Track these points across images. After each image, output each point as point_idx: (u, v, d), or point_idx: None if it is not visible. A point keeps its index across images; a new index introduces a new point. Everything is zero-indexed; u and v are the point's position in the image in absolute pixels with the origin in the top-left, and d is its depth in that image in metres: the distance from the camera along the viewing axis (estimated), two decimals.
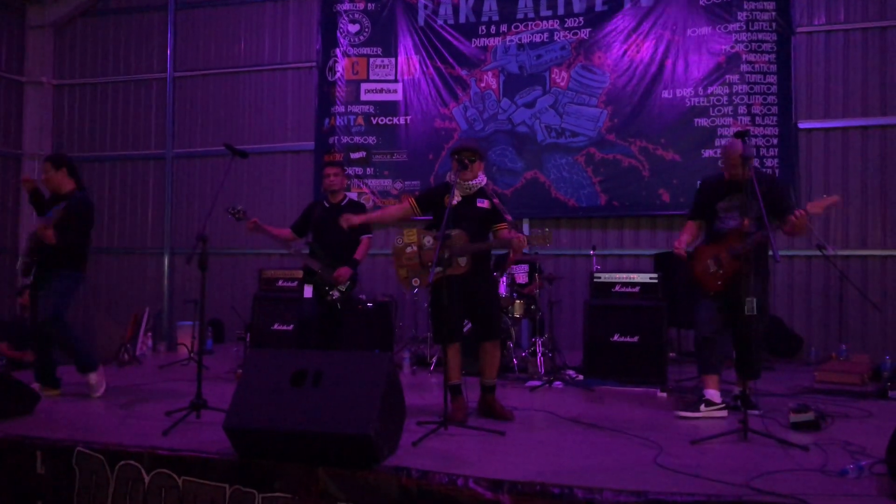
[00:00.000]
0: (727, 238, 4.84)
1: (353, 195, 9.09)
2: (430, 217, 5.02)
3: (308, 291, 5.78)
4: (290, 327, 7.19)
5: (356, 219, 5.14)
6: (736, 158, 4.74)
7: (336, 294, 5.69)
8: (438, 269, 4.42)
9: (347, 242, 5.83)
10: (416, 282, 4.86)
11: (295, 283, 7.22)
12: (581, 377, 6.39)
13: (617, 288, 6.54)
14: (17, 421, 4.54)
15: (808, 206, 4.66)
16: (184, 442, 4.00)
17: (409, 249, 4.89)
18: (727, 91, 8.17)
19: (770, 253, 4.49)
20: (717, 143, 8.14)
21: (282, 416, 3.61)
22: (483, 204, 4.83)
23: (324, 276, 5.68)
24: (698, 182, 5.51)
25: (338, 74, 9.41)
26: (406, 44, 9.27)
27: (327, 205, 5.99)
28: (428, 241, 4.84)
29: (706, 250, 4.98)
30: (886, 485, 3.20)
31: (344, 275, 5.68)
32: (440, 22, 9.15)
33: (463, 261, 4.65)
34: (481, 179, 4.89)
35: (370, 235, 5.99)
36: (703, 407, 4.79)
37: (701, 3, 8.30)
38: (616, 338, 6.35)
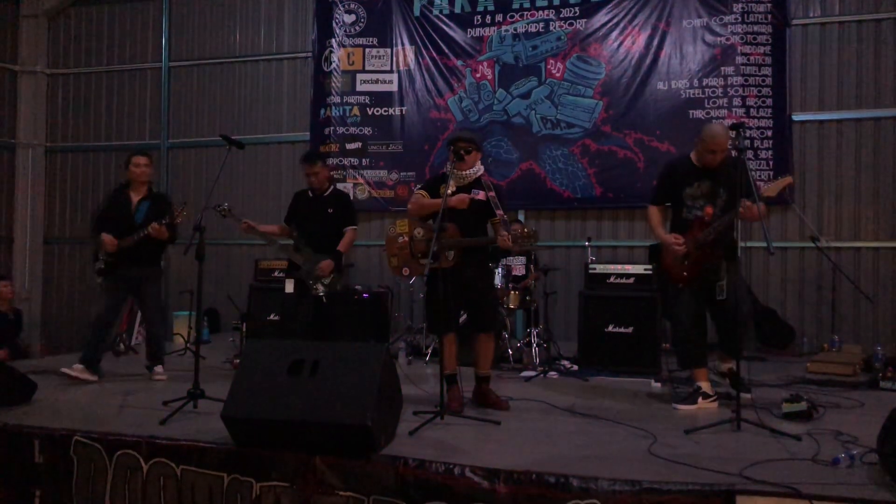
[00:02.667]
0: (692, 227, 4.82)
1: (348, 185, 9.22)
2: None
3: (290, 286, 5.76)
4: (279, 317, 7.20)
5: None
6: (725, 145, 4.71)
7: (320, 288, 5.67)
8: (429, 261, 4.43)
9: (331, 234, 5.81)
10: (405, 271, 4.92)
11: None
12: (575, 367, 6.42)
13: (611, 279, 6.58)
14: (15, 410, 4.55)
15: (763, 190, 4.70)
16: (182, 431, 4.03)
17: (400, 239, 4.93)
18: (722, 83, 8.17)
19: (745, 242, 4.51)
20: None
21: (279, 405, 3.64)
22: (478, 195, 4.82)
23: (307, 270, 5.65)
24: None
25: (333, 65, 9.40)
26: (401, 34, 9.25)
27: (311, 195, 5.95)
28: (419, 232, 4.87)
29: None
30: (878, 474, 3.24)
31: (326, 268, 5.65)
32: (436, 12, 9.13)
33: (450, 255, 4.67)
34: (478, 170, 4.89)
35: (355, 227, 5.97)
36: (700, 399, 4.82)
37: None
38: (610, 328, 6.38)
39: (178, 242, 9.82)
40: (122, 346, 7.39)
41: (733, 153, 4.68)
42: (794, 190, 7.96)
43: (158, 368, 5.95)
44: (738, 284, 4.73)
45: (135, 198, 5.94)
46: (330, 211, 5.88)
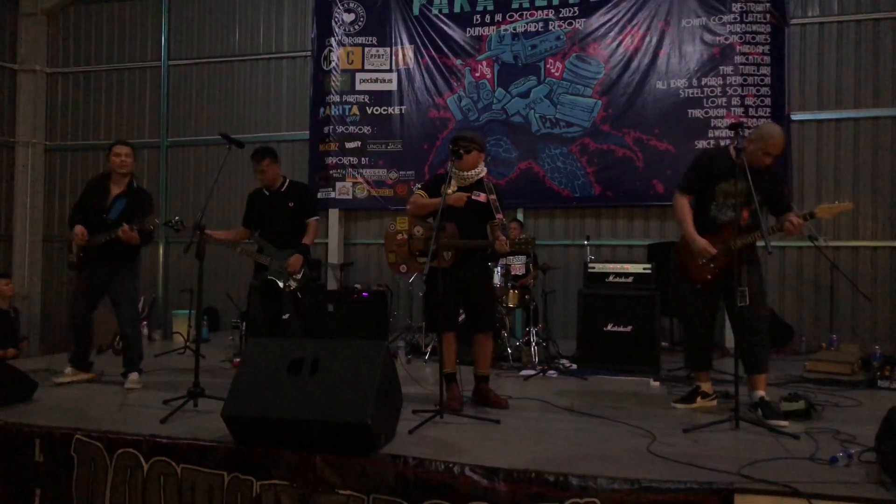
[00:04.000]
0: (722, 230, 4.56)
1: (347, 184, 9.24)
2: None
3: (259, 289, 5.70)
4: (286, 316, 7.19)
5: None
6: (781, 149, 4.51)
7: (293, 284, 5.65)
8: (427, 260, 4.43)
9: (295, 228, 5.73)
10: (402, 268, 4.93)
11: None
12: (574, 366, 6.44)
13: (610, 278, 6.58)
14: (15, 408, 4.55)
15: (818, 211, 4.41)
16: (182, 430, 4.03)
17: (399, 237, 4.93)
18: (721, 82, 8.20)
19: (762, 244, 4.38)
20: (710, 134, 8.19)
21: (279, 403, 3.64)
22: (478, 198, 4.80)
23: (276, 270, 5.62)
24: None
25: (333, 64, 9.40)
26: (401, 33, 9.27)
27: (267, 193, 5.83)
28: (418, 230, 4.88)
29: None
30: (875, 472, 3.25)
31: (295, 264, 5.59)
32: (435, 11, 9.14)
33: (448, 255, 4.66)
34: (480, 171, 4.86)
35: (317, 217, 5.91)
36: (699, 399, 4.82)
37: None
38: (609, 327, 6.39)
39: (178, 241, 10.01)
40: (121, 344, 7.37)
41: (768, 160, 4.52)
42: (793, 189, 7.98)
43: (133, 376, 5.56)
44: (758, 291, 4.50)
45: (114, 190, 5.61)
46: (290, 205, 5.77)
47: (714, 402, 4.83)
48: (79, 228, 5.46)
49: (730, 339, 7.17)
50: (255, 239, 5.86)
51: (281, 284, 5.62)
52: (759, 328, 4.51)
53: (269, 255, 5.63)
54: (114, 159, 5.64)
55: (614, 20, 8.56)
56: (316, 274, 5.87)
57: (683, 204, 4.74)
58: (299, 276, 5.64)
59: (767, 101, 8.10)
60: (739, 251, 4.38)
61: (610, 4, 8.58)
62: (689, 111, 8.29)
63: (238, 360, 6.19)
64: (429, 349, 6.93)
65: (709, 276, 4.63)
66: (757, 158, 4.49)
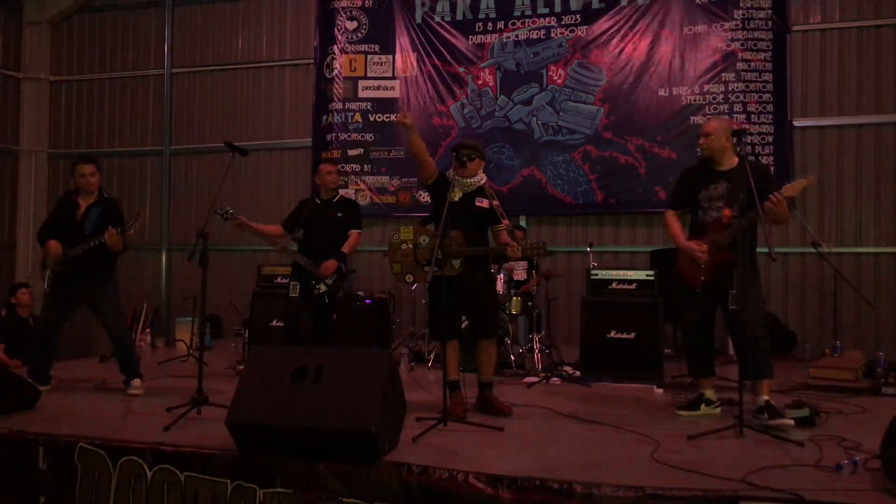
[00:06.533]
0: (708, 231, 4.67)
1: (349, 191, 9.24)
2: (430, 198, 5.08)
3: (294, 290, 5.79)
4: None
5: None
6: (709, 127, 4.69)
7: (322, 287, 5.71)
8: (434, 269, 4.44)
9: (337, 237, 5.87)
10: (409, 278, 4.92)
11: None
12: (578, 373, 6.42)
13: (613, 285, 6.57)
14: (18, 416, 4.56)
15: (784, 190, 4.41)
16: (185, 437, 4.03)
17: (404, 246, 4.93)
18: (723, 89, 8.21)
19: (766, 250, 4.37)
20: None
21: (283, 411, 3.64)
22: (482, 203, 4.85)
23: (311, 270, 5.70)
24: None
25: (335, 71, 9.42)
26: (403, 41, 9.29)
27: (319, 201, 6.03)
28: (423, 239, 4.89)
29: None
30: (880, 479, 3.25)
31: (330, 267, 5.68)
32: (437, 19, 9.17)
33: (457, 263, 4.68)
34: (481, 178, 4.90)
35: (359, 231, 6.02)
36: (703, 406, 4.81)
37: (697, 1, 8.34)
38: (612, 334, 6.38)
39: (181, 248, 10.02)
40: (116, 351, 7.34)
41: (750, 157, 4.56)
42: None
43: (135, 382, 5.56)
44: (753, 297, 4.49)
45: (83, 203, 5.51)
46: (339, 215, 5.96)
47: (718, 410, 4.83)
48: (52, 243, 5.40)
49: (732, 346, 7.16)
50: (298, 241, 5.95)
51: (315, 284, 5.70)
52: (755, 333, 4.48)
53: (308, 257, 5.75)
54: (79, 180, 5.52)
55: (616, 27, 8.58)
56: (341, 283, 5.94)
57: (670, 217, 4.99)
58: (330, 282, 5.71)
59: (770, 107, 8.10)
60: (730, 251, 4.40)
61: (612, 12, 8.60)
62: (692, 118, 8.29)
63: (241, 367, 6.19)
64: (432, 356, 6.92)
65: (702, 278, 4.68)
66: (715, 150, 4.71)
